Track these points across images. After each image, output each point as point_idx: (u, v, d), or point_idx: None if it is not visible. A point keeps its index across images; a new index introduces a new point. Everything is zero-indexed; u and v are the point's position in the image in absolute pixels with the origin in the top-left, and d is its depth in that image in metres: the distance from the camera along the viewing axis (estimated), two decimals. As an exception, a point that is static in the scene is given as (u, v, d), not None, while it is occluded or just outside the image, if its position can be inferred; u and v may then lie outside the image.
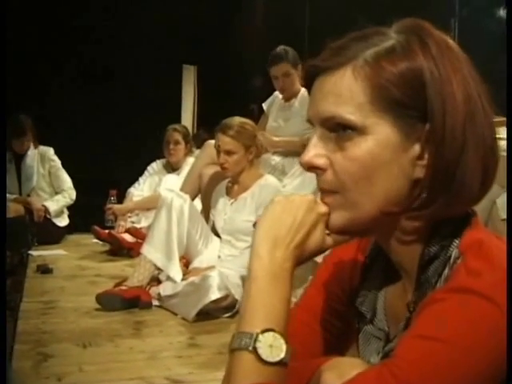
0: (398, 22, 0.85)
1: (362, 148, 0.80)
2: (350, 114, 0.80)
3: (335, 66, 0.82)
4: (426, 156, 0.81)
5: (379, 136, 0.80)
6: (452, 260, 0.82)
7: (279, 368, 0.78)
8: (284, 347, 0.78)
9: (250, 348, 0.77)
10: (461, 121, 0.79)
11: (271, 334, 0.78)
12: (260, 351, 0.77)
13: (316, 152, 0.84)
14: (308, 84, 0.87)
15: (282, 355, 0.78)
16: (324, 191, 0.86)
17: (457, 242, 0.83)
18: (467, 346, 0.71)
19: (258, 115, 4.73)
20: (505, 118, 3.03)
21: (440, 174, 0.80)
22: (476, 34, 6.24)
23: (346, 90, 0.81)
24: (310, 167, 0.85)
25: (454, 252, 0.82)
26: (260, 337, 0.78)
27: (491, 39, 6.21)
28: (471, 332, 0.72)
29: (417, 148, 0.81)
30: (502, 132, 2.87)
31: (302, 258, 0.85)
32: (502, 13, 6.93)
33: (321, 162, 0.84)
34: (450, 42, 0.84)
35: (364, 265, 1.01)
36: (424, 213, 0.82)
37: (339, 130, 0.82)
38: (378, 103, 0.80)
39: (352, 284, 1.02)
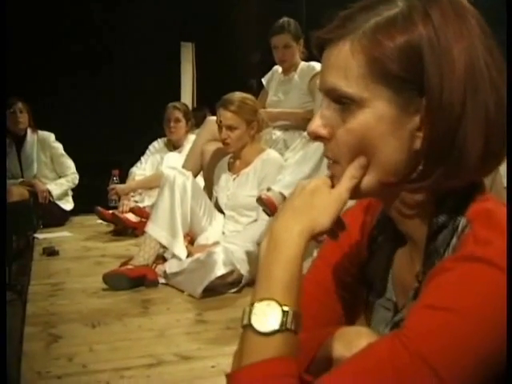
0: None
1: (359, 121, 0.81)
2: (347, 87, 0.81)
3: (337, 38, 0.82)
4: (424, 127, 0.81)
5: (376, 109, 0.80)
6: (460, 229, 0.82)
7: (283, 337, 0.77)
8: (279, 314, 0.77)
9: (245, 322, 0.78)
10: (459, 91, 0.78)
11: (265, 303, 0.78)
12: (254, 324, 0.77)
13: (321, 122, 0.85)
14: (318, 54, 0.88)
15: (277, 324, 0.76)
16: (329, 159, 0.87)
17: (465, 211, 0.82)
18: (478, 315, 0.71)
19: (257, 90, 4.70)
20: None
21: (437, 145, 0.80)
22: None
23: (343, 63, 0.81)
24: (314, 137, 0.86)
25: (462, 221, 0.82)
26: (254, 309, 0.78)
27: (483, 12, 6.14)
28: (481, 301, 0.71)
29: (416, 120, 0.80)
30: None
31: (313, 231, 0.82)
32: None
33: (324, 132, 0.85)
34: (462, 6, 0.82)
35: (371, 235, 1.01)
36: (423, 184, 0.82)
37: (342, 102, 0.82)
38: (375, 77, 0.79)
39: (360, 255, 1.02)
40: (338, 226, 0.85)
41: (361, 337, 0.84)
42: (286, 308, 0.77)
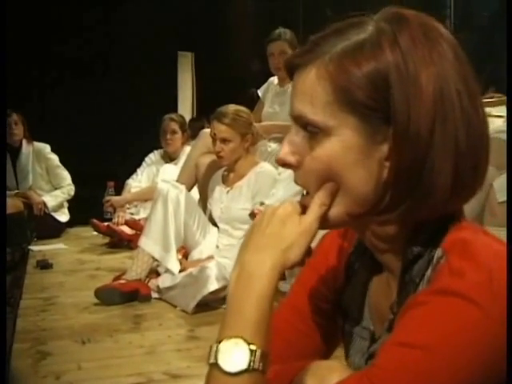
0: (382, 10, 0.81)
1: (325, 149, 0.78)
2: (313, 115, 0.78)
3: (305, 63, 0.80)
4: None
5: (343, 137, 0.77)
6: (435, 260, 0.79)
7: (250, 377, 0.73)
8: (247, 354, 0.73)
9: (212, 361, 0.74)
10: (427, 120, 0.75)
11: (232, 341, 0.74)
12: (221, 363, 0.73)
13: (290, 149, 0.82)
14: (290, 79, 0.85)
15: (245, 363, 0.73)
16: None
17: (440, 241, 0.79)
18: (448, 353, 0.68)
19: (257, 99, 4.68)
20: (500, 98, 2.97)
21: (403, 176, 0.77)
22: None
23: (309, 90, 0.78)
24: (282, 164, 0.83)
25: (438, 251, 0.79)
26: (221, 346, 0.74)
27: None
28: (452, 338, 0.69)
29: (385, 149, 0.77)
30: (501, 111, 2.83)
31: (285, 265, 0.79)
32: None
33: (293, 159, 0.82)
34: (435, 30, 0.79)
35: (349, 262, 0.98)
36: (389, 216, 0.79)
37: (309, 130, 0.80)
38: (341, 104, 0.76)
39: (336, 282, 0.99)
40: (306, 254, 0.82)
41: (333, 372, 0.81)
42: (253, 347, 0.74)
